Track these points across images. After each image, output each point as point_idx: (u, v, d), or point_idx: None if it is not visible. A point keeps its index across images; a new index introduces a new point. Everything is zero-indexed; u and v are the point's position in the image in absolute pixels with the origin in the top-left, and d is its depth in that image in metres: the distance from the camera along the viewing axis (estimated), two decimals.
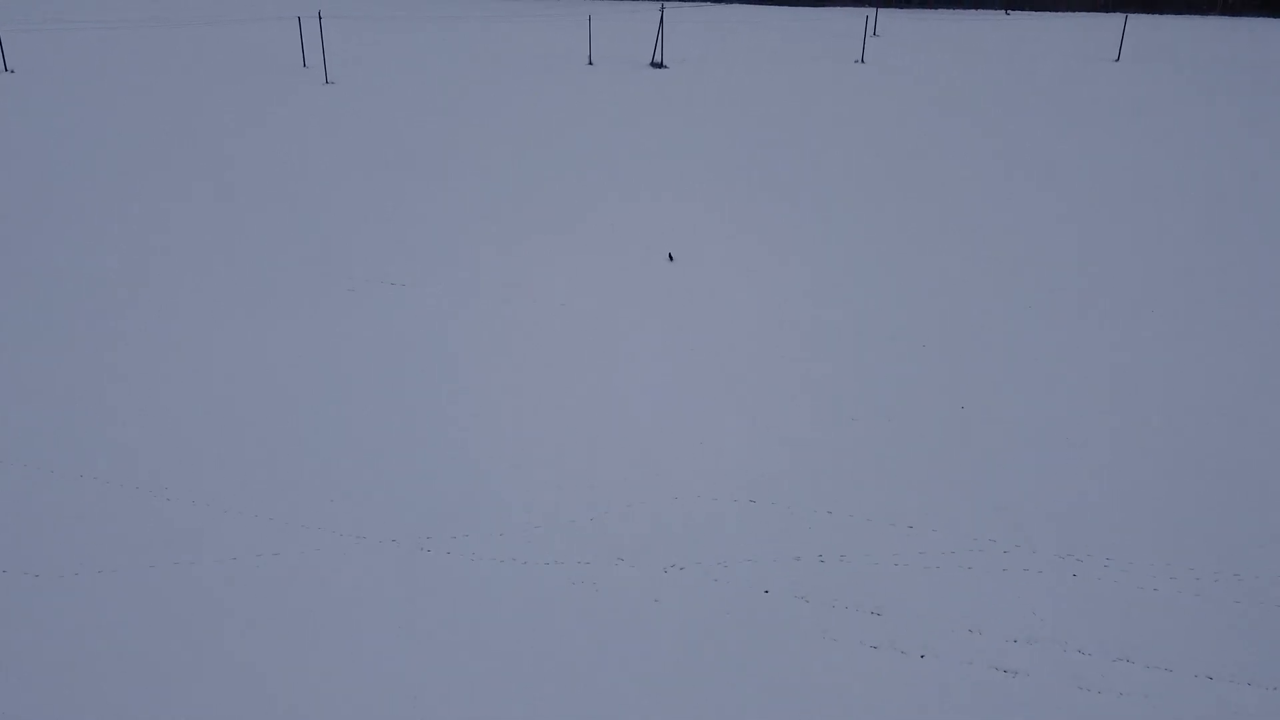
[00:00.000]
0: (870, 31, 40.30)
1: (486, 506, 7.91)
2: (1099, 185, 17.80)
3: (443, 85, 28.51)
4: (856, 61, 36.83)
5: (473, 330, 11.25)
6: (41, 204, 16.01)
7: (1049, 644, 6.43)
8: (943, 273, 13.19)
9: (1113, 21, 48.60)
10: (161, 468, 8.45)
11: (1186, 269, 13.42)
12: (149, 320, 11.50)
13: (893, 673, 6.22)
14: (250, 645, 6.42)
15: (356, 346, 10.85)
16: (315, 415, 9.35)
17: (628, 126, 23.04)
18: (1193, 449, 8.83)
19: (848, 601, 6.85)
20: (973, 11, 58.81)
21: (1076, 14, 57.25)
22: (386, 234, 14.65)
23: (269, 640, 6.46)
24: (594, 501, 7.98)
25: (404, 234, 14.65)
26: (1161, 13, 55.05)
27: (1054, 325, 11.52)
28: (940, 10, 60.03)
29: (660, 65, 34.59)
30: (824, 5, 62.11)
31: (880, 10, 51.21)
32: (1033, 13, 56.99)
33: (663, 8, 36.24)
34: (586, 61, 35.59)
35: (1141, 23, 47.28)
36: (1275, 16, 53.20)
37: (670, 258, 13.36)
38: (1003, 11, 57.89)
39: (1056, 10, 57.66)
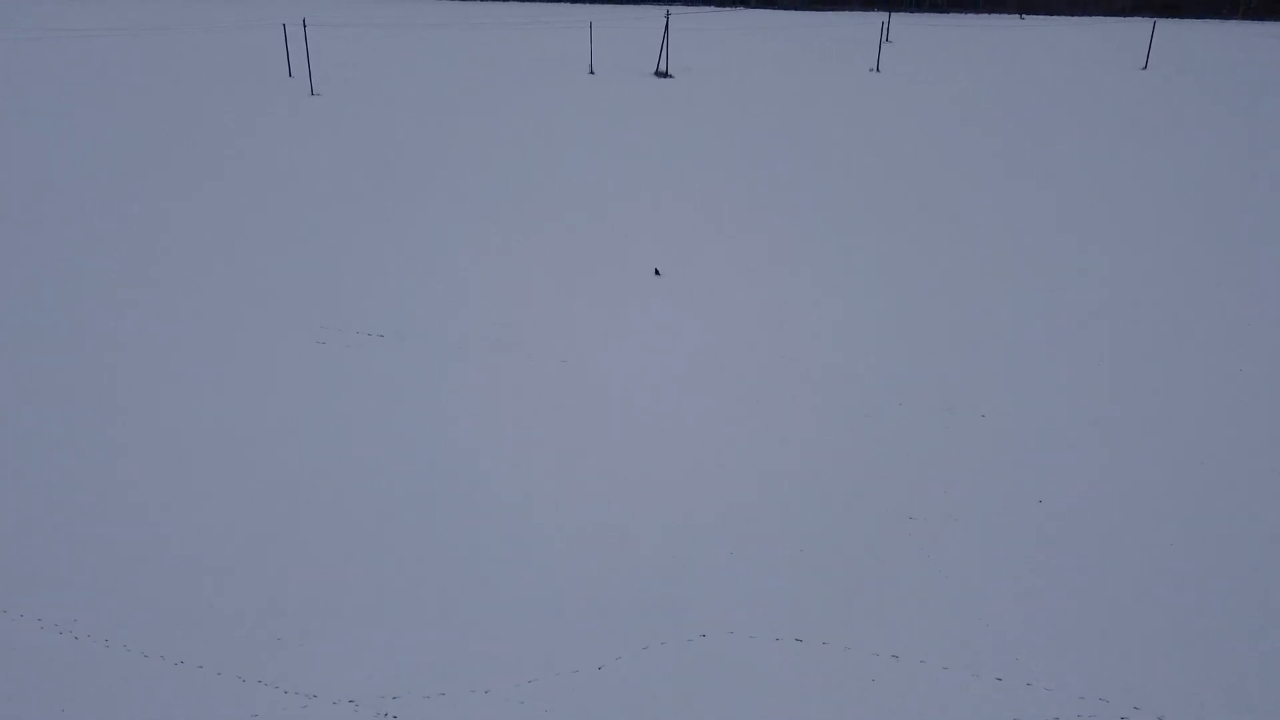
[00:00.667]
0: (883, 38, 38.68)
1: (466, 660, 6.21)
2: (1159, 209, 16.12)
3: (430, 99, 26.84)
4: (871, 70, 35.20)
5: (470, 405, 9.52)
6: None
7: None
8: (996, 315, 11.50)
9: (1130, 26, 47.08)
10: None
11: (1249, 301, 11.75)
12: (97, 383, 9.80)
13: None
14: None
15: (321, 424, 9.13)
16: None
17: (632, 142, 21.37)
18: None
19: None
20: (985, 16, 57.25)
21: (1092, 18, 55.67)
22: (364, 275, 12.95)
23: None
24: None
25: (383, 275, 12.94)
26: (1181, 17, 53.42)
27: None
28: (951, 15, 58.48)
29: (665, 74, 32.94)
30: (831, 9, 60.56)
31: (891, 15, 49.60)
32: (1047, 17, 55.43)
33: (668, 13, 34.58)
34: (587, 70, 33.98)
35: (1163, 28, 45.67)
36: None
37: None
38: (1017, 16, 56.33)
39: (1071, 15, 56.10)
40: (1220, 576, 6.83)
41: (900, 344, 10.68)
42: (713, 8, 59.60)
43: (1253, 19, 52.87)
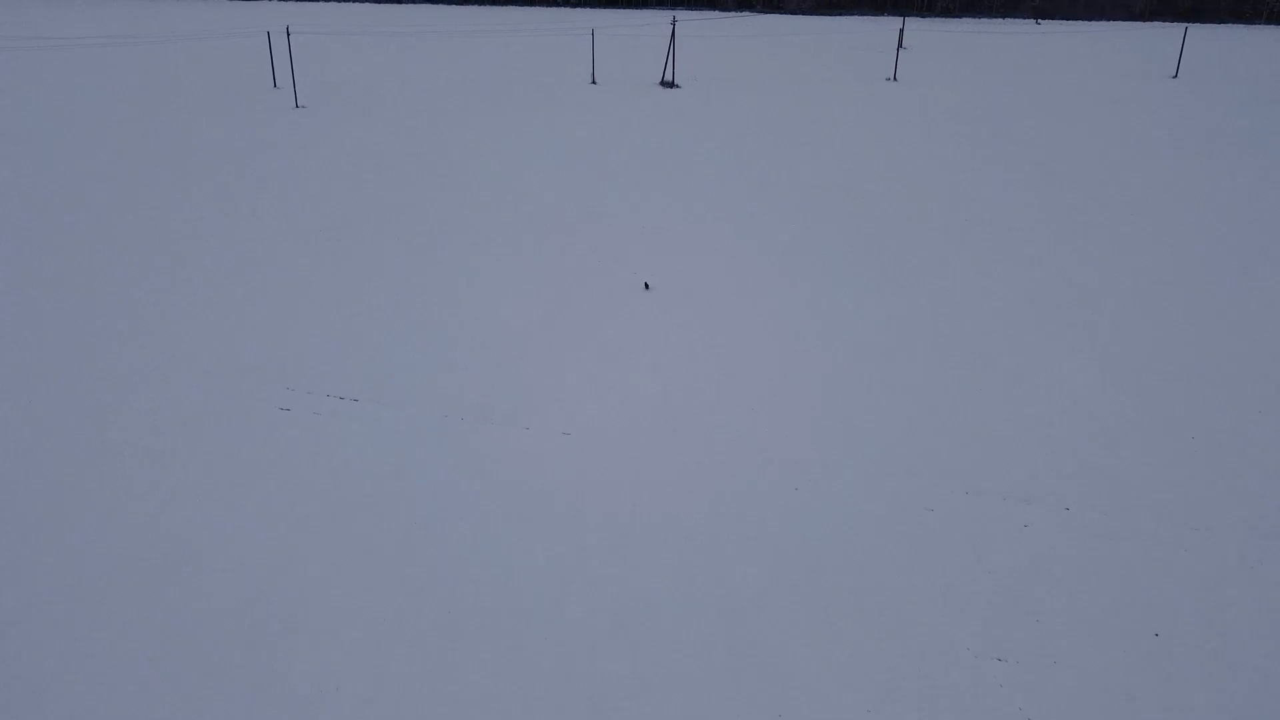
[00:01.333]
0: (899, 45, 36.97)
1: None
2: (1219, 241, 14.36)
3: (421, 114, 25.12)
4: (888, 79, 33.48)
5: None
6: None
7: None
8: (1066, 364, 9.73)
9: (1151, 31, 45.34)
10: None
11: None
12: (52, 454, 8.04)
13: None
14: None
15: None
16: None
17: (636, 158, 19.66)
18: None
19: None
20: (1000, 20, 55.47)
21: (1111, 23, 53.85)
22: (334, 324, 11.20)
23: None
24: None
25: (358, 326, 11.19)
26: (1205, 21, 51.55)
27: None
28: (965, 19, 56.73)
29: (672, 84, 31.21)
30: (842, 13, 58.84)
31: (904, 20, 47.96)
32: (1064, 22, 53.61)
33: (674, 19, 32.87)
34: (589, 80, 32.28)
35: (1190, 33, 43.91)
36: None
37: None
38: (1033, 21, 54.53)
39: (1090, 19, 54.26)
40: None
41: (941, 402, 8.90)
42: (719, 12, 57.93)
43: (1278, 23, 51.03)
